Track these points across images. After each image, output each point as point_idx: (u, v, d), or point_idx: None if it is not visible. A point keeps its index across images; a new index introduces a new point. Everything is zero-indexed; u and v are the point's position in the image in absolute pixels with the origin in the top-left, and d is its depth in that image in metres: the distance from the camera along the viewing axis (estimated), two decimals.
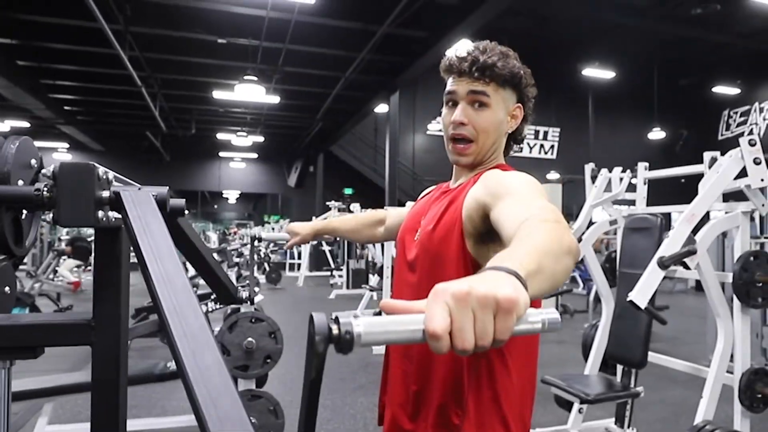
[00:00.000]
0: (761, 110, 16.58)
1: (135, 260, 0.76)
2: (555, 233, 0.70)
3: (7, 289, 1.15)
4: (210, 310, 3.74)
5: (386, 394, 1.22)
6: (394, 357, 1.18)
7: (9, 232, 0.89)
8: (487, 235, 0.98)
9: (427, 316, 0.46)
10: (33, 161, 0.91)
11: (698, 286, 10.33)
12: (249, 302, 1.07)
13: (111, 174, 0.83)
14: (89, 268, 11.73)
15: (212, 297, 3.61)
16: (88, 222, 0.76)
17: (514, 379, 1.00)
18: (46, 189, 0.77)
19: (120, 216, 0.83)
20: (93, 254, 1.02)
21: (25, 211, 0.94)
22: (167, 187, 0.84)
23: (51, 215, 0.78)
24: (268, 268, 12.04)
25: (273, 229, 17.56)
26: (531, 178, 1.00)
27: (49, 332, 0.89)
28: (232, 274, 7.93)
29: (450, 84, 1.10)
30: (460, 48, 1.09)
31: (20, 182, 0.86)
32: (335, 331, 0.46)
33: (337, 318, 0.47)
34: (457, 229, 1.02)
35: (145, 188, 0.82)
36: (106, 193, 0.79)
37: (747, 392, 2.43)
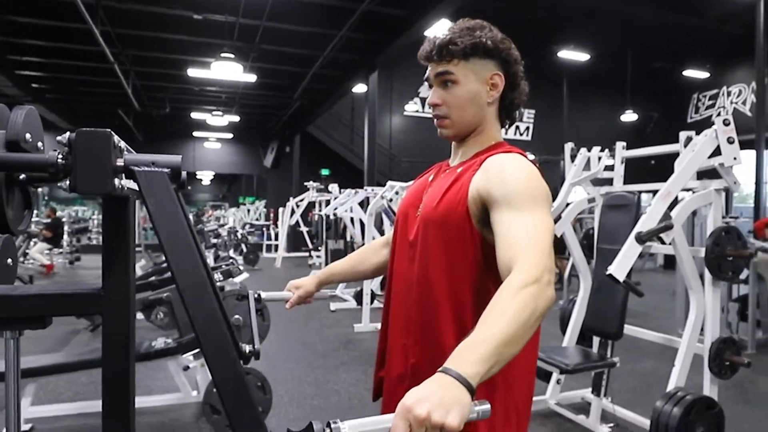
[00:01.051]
0: (728, 94, 17.01)
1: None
2: (529, 307, 0.79)
3: (9, 261, 1.15)
4: None
5: (383, 368, 1.20)
6: (394, 329, 1.17)
7: (10, 207, 0.87)
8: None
9: (393, 425, 0.66)
10: (40, 144, 0.88)
11: (667, 264, 10.70)
12: (255, 356, 1.00)
13: (123, 143, 0.84)
14: (61, 251, 11.55)
15: None
16: (104, 189, 0.76)
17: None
18: (61, 156, 0.77)
19: (129, 185, 0.84)
20: (102, 224, 0.97)
21: (19, 188, 0.90)
22: (180, 156, 0.85)
23: (67, 182, 0.77)
24: (245, 249, 11.93)
25: (249, 211, 17.39)
26: (533, 177, 1.01)
27: (59, 302, 0.88)
28: (210, 255, 7.85)
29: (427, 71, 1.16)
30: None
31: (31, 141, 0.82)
32: None
33: (329, 423, 0.65)
34: (462, 207, 1.04)
35: (160, 157, 0.82)
36: (120, 162, 0.80)
37: (716, 360, 2.56)
